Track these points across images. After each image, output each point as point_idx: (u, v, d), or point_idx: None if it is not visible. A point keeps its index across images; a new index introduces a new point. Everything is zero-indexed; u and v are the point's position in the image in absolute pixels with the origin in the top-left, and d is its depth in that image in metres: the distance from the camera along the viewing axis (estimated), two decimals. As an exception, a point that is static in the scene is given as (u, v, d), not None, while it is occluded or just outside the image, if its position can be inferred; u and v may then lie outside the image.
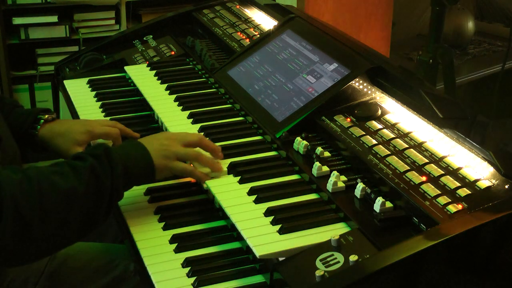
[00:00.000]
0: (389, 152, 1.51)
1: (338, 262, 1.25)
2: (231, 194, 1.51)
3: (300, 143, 1.62)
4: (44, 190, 1.32)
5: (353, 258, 1.23)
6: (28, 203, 1.29)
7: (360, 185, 1.45)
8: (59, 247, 1.41)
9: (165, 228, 1.48)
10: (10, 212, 1.27)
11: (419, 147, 1.52)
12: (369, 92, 1.74)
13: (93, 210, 1.38)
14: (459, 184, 1.37)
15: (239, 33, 2.26)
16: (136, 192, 1.57)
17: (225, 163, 1.61)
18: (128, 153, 1.47)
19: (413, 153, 1.49)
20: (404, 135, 1.57)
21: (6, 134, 1.59)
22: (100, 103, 2.05)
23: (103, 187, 1.39)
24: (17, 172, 1.33)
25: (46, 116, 1.78)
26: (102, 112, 2.01)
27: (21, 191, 1.29)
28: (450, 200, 1.33)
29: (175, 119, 1.87)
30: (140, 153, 1.49)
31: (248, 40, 2.19)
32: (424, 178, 1.41)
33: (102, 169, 1.40)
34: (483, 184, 1.36)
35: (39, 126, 1.76)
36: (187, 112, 1.88)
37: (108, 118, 1.95)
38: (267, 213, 1.43)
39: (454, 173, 1.41)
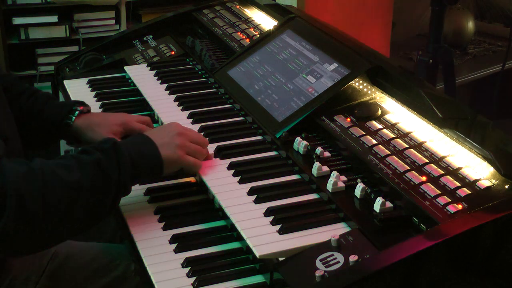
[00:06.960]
0: (389, 152, 1.51)
1: (338, 262, 1.25)
2: (231, 194, 1.51)
3: (300, 143, 1.62)
4: (48, 182, 1.32)
5: (353, 258, 1.23)
6: (32, 195, 1.29)
7: (360, 185, 1.45)
8: (62, 238, 1.42)
9: (165, 228, 1.47)
10: (13, 203, 1.27)
11: (419, 147, 1.52)
12: (369, 92, 1.74)
13: (98, 204, 1.38)
14: (459, 184, 1.37)
15: (239, 33, 2.26)
16: (136, 192, 1.56)
17: (225, 163, 1.62)
18: (137, 147, 1.47)
19: (413, 153, 1.49)
20: (404, 135, 1.57)
21: (13, 134, 1.59)
22: (100, 103, 2.05)
23: (109, 181, 1.39)
24: (22, 165, 1.33)
25: (82, 107, 1.80)
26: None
27: (25, 183, 1.29)
28: (450, 200, 1.33)
29: (175, 119, 1.86)
30: (148, 147, 1.49)
31: (248, 40, 2.19)
32: (424, 178, 1.41)
33: (109, 163, 1.40)
34: (483, 184, 1.36)
35: (73, 117, 1.78)
36: (187, 112, 1.88)
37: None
38: (267, 213, 1.43)
39: (454, 173, 1.41)
